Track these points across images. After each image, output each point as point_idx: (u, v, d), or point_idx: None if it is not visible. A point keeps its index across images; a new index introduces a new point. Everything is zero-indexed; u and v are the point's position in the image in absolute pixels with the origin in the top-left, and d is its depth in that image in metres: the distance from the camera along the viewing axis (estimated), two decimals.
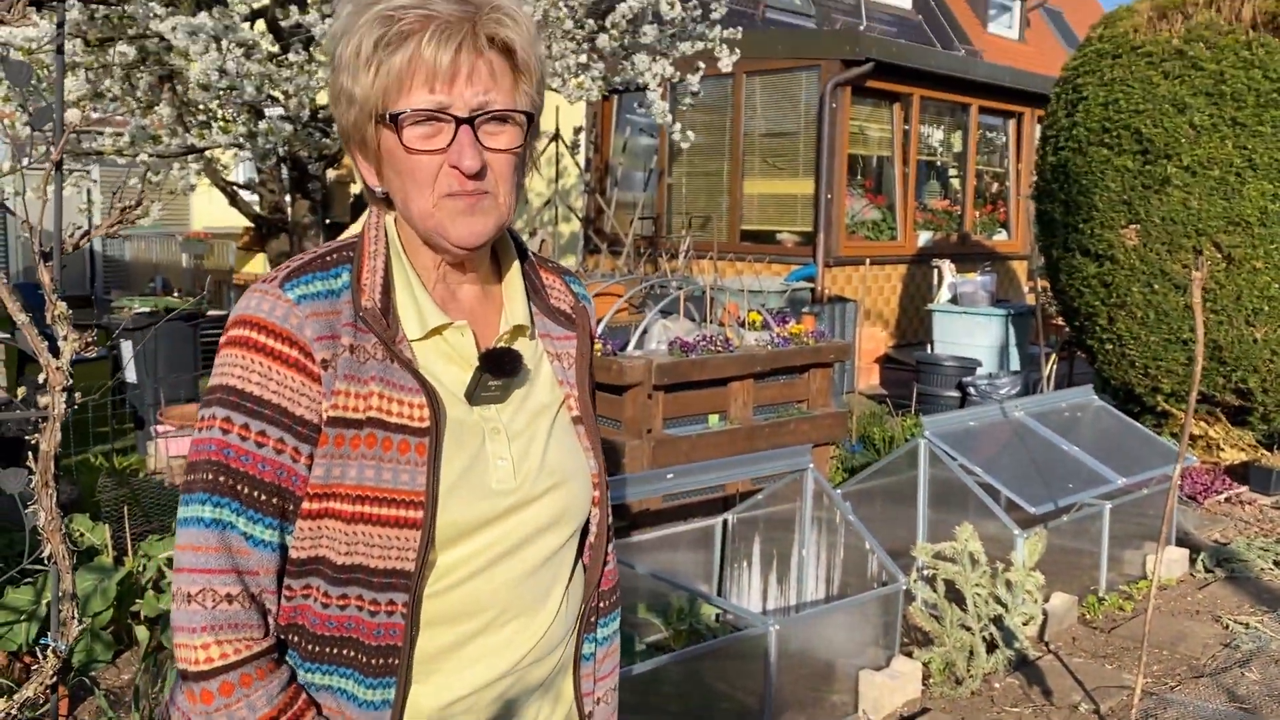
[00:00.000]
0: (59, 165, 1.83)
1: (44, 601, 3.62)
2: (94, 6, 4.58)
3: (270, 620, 1.15)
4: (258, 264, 11.90)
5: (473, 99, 1.12)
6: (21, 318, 1.87)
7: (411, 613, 1.13)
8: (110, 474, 4.56)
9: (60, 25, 1.80)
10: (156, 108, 4.68)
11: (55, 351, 1.92)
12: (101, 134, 4.76)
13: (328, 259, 1.20)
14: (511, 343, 1.25)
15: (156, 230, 15.59)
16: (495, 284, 1.28)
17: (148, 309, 7.29)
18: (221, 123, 4.28)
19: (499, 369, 1.19)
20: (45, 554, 1.98)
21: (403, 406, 1.14)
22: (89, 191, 15.30)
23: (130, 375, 6.74)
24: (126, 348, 6.86)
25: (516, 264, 1.30)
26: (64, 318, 1.90)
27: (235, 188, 5.92)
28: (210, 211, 13.95)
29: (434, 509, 1.12)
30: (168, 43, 4.27)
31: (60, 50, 1.77)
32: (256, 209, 6.09)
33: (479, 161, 1.12)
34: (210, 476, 1.12)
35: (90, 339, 1.94)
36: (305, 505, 1.14)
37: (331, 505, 1.13)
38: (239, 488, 1.11)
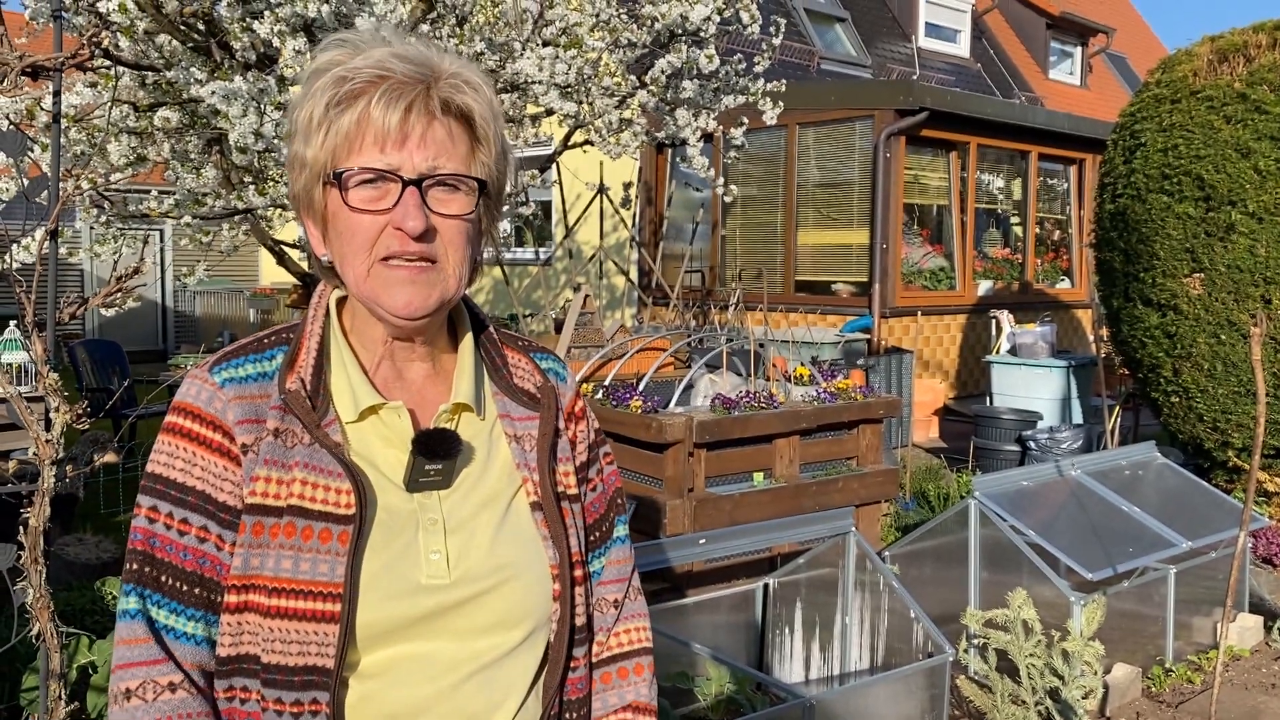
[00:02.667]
0: (54, 234, 1.81)
1: (74, 666, 3.60)
2: (144, 74, 4.68)
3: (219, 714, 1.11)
4: None
5: (423, 163, 1.07)
6: (11, 390, 1.84)
7: (334, 712, 1.07)
8: None
9: (56, 94, 1.79)
10: (203, 170, 4.75)
11: (48, 424, 1.89)
12: (147, 194, 4.84)
13: (265, 341, 1.17)
14: (453, 422, 1.17)
15: (225, 286, 15.98)
16: (451, 362, 1.21)
17: None
18: (261, 184, 4.31)
19: (432, 452, 1.12)
20: (34, 632, 1.93)
21: (328, 493, 1.08)
22: (160, 251, 15.63)
23: None
24: None
25: (470, 339, 1.22)
26: (54, 390, 1.87)
27: (284, 246, 5.98)
28: (277, 268, 14.26)
29: (353, 602, 1.06)
30: (214, 106, 4.34)
31: (57, 119, 1.76)
32: (305, 267, 6.14)
33: (423, 223, 1.07)
34: (135, 567, 1.11)
35: (82, 410, 1.90)
36: (227, 598, 1.09)
37: (251, 598, 1.08)
38: (162, 578, 1.10)
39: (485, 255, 1.20)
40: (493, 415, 1.21)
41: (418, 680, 1.10)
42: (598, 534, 1.29)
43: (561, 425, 1.24)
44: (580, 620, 1.20)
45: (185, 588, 1.09)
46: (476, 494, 1.16)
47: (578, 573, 1.20)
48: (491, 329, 1.26)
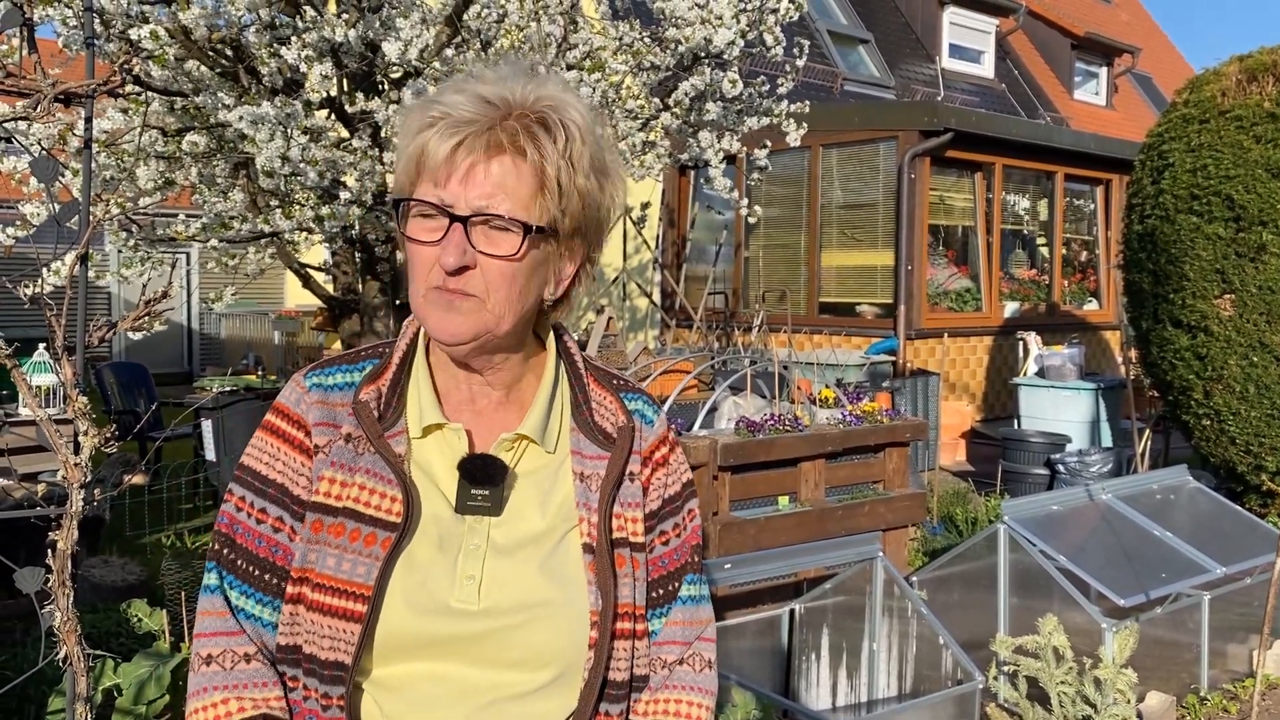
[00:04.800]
0: (84, 259, 1.82)
1: (100, 689, 3.60)
2: (173, 99, 4.73)
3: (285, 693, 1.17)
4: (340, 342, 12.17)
5: (476, 200, 1.10)
6: (41, 413, 1.85)
7: (348, 705, 1.12)
8: (176, 555, 4.58)
9: (88, 119, 1.81)
10: (230, 194, 4.79)
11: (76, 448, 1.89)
12: (175, 217, 4.89)
13: (361, 354, 1.24)
14: (513, 451, 1.19)
15: (250, 309, 16.09)
16: (529, 394, 1.23)
17: (229, 388, 7.44)
18: (286, 208, 4.35)
19: (474, 477, 1.14)
20: (60, 655, 1.93)
21: (382, 499, 1.13)
22: (188, 274, 15.77)
23: (210, 454, 6.86)
24: (207, 427, 6.98)
25: (551, 373, 1.23)
26: (83, 413, 1.87)
27: (309, 269, 6.02)
28: (302, 290, 14.33)
29: (378, 604, 1.10)
30: (242, 131, 4.38)
31: (88, 144, 1.78)
32: (330, 290, 6.18)
33: (457, 260, 1.10)
34: (217, 547, 1.19)
35: (110, 434, 1.90)
36: (288, 588, 1.15)
37: (303, 591, 1.13)
38: (238, 561, 1.17)
39: (579, 289, 1.22)
40: (564, 450, 1.21)
41: (434, 701, 1.11)
42: (661, 591, 1.25)
43: (635, 469, 1.23)
44: (619, 676, 1.18)
45: (258, 573, 1.16)
46: (526, 527, 1.16)
47: (624, 625, 1.18)
48: (581, 363, 1.27)
